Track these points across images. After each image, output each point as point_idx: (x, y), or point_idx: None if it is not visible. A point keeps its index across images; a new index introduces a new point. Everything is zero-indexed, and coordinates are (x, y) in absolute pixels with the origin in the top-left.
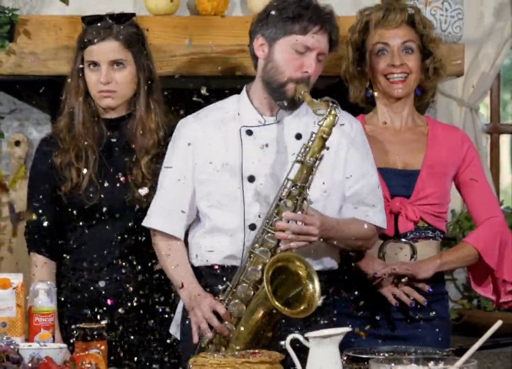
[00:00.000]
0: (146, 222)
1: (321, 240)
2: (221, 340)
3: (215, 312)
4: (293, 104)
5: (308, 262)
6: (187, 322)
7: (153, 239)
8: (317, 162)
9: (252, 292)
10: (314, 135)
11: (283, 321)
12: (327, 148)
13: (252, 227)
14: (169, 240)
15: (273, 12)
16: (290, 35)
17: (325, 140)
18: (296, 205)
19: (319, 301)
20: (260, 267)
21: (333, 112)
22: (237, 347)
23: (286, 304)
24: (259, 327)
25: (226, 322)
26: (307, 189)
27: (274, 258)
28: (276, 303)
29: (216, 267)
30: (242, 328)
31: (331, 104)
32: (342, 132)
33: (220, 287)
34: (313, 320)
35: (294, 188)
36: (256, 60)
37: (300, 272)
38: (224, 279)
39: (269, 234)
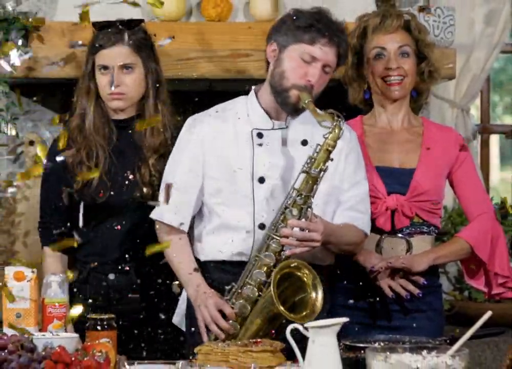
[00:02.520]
0: (155, 214)
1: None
2: (226, 337)
3: (221, 312)
4: (295, 111)
5: (313, 270)
6: (193, 313)
7: (159, 233)
8: (322, 173)
9: (257, 293)
10: (319, 147)
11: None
12: (331, 160)
13: (262, 226)
14: (175, 234)
15: (288, 20)
16: (298, 44)
17: (330, 152)
18: (301, 213)
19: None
20: (264, 269)
21: (338, 126)
22: None
23: (290, 308)
24: (262, 329)
25: (231, 321)
26: (311, 198)
27: (282, 263)
28: (281, 307)
29: (225, 262)
30: (247, 329)
31: (336, 117)
32: (342, 141)
33: (227, 284)
34: None
35: (299, 197)
36: (268, 64)
37: (305, 279)
38: (232, 273)
39: (274, 239)
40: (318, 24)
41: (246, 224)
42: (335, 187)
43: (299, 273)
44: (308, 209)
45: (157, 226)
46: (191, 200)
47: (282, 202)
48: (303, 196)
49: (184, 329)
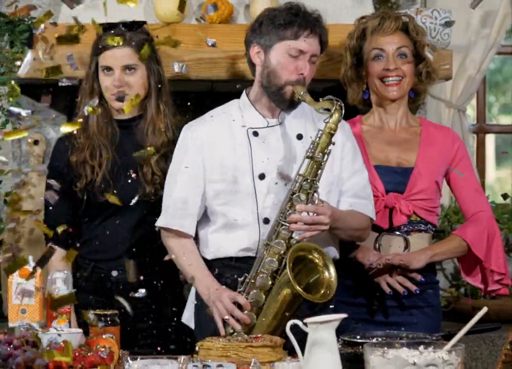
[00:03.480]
0: (160, 223)
1: (330, 230)
2: (244, 328)
3: (235, 304)
4: (292, 105)
5: (324, 250)
6: (202, 311)
7: (165, 239)
8: (326, 156)
9: (270, 282)
10: (321, 132)
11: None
12: (334, 144)
13: (266, 221)
14: (181, 238)
15: (265, 21)
16: (283, 41)
17: (332, 135)
18: (308, 198)
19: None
20: (276, 257)
21: (338, 109)
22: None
23: (306, 290)
24: (279, 316)
25: (246, 311)
26: (317, 183)
27: (294, 247)
28: (298, 288)
29: (232, 259)
30: (264, 317)
31: (335, 102)
32: (337, 132)
33: (236, 280)
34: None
35: (305, 182)
36: (253, 66)
37: (317, 261)
38: (240, 269)
39: (283, 226)
40: (297, 19)
41: (251, 221)
42: (335, 177)
43: (310, 256)
44: (315, 193)
45: (163, 234)
46: (195, 206)
47: (289, 189)
48: (309, 181)
49: (192, 327)
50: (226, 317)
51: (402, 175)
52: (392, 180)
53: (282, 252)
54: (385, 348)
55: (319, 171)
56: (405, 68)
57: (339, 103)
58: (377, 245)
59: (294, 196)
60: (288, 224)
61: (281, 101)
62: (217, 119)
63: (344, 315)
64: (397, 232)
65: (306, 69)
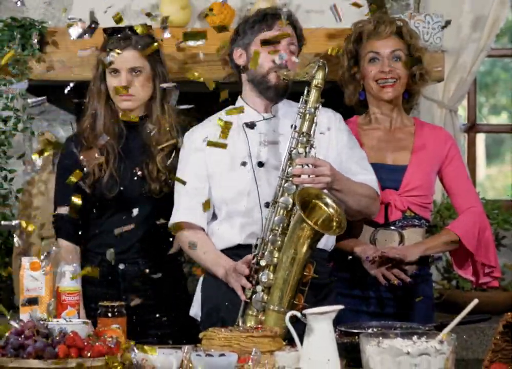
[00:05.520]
0: (173, 219)
1: (333, 192)
2: (263, 288)
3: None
4: (278, 93)
5: (323, 192)
6: (209, 304)
7: (178, 234)
8: (317, 111)
9: (282, 238)
10: (308, 88)
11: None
12: (323, 100)
13: (267, 205)
14: (194, 230)
15: (240, 26)
16: (259, 33)
17: (320, 89)
18: (305, 151)
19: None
20: (284, 213)
21: (322, 67)
22: (278, 292)
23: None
24: (297, 265)
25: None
26: (313, 137)
27: (298, 192)
28: (311, 223)
29: (240, 246)
30: (280, 271)
31: (317, 60)
32: (329, 118)
33: (253, 244)
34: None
35: (301, 137)
36: (238, 70)
37: (318, 203)
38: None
39: (288, 182)
40: (269, 12)
41: (253, 207)
42: (332, 159)
43: (312, 201)
44: (312, 148)
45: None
46: (204, 199)
47: (287, 147)
48: (304, 134)
49: (199, 320)
50: (242, 281)
51: (397, 173)
52: (388, 178)
53: (289, 208)
54: (380, 338)
55: (313, 125)
56: (399, 70)
57: (321, 61)
58: (373, 239)
59: (293, 151)
60: (291, 179)
61: (268, 89)
62: (215, 121)
63: (341, 307)
64: (392, 227)
65: (285, 54)
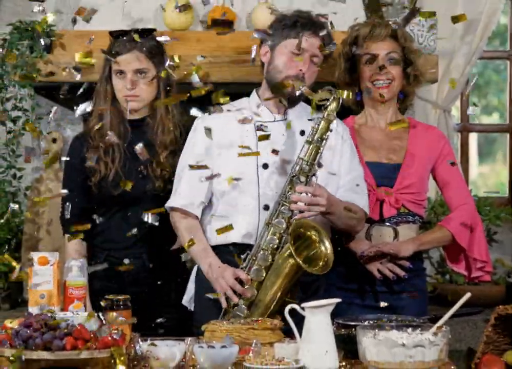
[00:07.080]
0: (170, 203)
1: (326, 215)
2: (245, 302)
3: (237, 279)
4: (293, 102)
5: (320, 228)
6: (201, 294)
7: (174, 221)
8: (324, 142)
9: (271, 258)
10: (319, 119)
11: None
12: (331, 130)
13: (266, 207)
14: (188, 219)
15: (274, 24)
16: (286, 40)
17: (330, 122)
18: (307, 180)
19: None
20: (277, 235)
21: (336, 98)
22: (259, 310)
23: (305, 264)
24: (280, 290)
25: (247, 286)
26: (316, 166)
27: (294, 224)
28: (299, 260)
29: (234, 244)
30: (265, 290)
31: (333, 91)
32: (336, 131)
33: (241, 257)
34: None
35: (305, 165)
36: (263, 65)
37: (314, 237)
38: (240, 255)
39: (284, 206)
40: (301, 20)
41: (252, 207)
42: (333, 173)
43: (308, 233)
44: (313, 177)
45: (172, 215)
46: (202, 187)
47: (290, 172)
48: (308, 163)
49: (192, 309)
50: (228, 293)
51: (392, 170)
52: (383, 175)
53: (282, 231)
54: (376, 330)
55: (318, 155)
56: (395, 72)
57: (337, 92)
58: (368, 235)
59: (294, 177)
60: (288, 204)
61: (282, 95)
62: (229, 111)
63: (338, 300)
64: (387, 223)
65: (305, 66)
